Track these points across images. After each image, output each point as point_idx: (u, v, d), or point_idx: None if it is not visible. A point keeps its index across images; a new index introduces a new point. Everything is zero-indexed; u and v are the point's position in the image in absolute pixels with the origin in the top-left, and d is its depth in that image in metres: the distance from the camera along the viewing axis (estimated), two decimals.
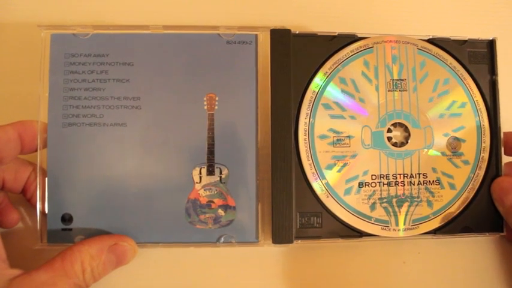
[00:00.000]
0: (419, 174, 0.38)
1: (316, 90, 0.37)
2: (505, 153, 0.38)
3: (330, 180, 0.37)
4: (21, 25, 0.40)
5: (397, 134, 0.38)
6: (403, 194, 0.37)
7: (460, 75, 0.39)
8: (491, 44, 0.39)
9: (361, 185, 0.37)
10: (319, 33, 0.38)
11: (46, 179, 0.35)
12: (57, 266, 0.32)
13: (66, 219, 0.35)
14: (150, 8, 0.41)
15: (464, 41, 0.39)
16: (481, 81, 0.39)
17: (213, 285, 0.38)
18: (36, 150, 0.35)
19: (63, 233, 0.35)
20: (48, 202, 0.35)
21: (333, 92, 0.37)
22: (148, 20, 0.37)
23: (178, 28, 0.37)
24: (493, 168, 0.38)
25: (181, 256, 0.38)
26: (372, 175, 0.37)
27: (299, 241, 0.36)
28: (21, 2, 0.40)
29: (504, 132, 0.38)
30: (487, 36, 0.39)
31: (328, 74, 0.38)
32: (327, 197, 0.37)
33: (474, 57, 0.39)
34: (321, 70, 0.38)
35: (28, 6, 0.40)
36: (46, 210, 0.35)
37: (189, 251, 0.38)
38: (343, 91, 0.38)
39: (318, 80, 0.37)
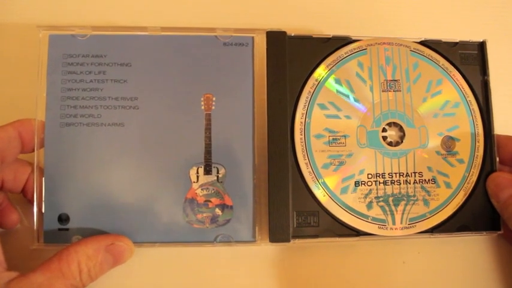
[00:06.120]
0: (414, 173, 0.38)
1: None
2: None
3: (326, 179, 0.37)
4: (19, 25, 0.40)
5: (392, 134, 0.38)
6: (399, 193, 0.38)
7: (453, 76, 0.39)
8: (481, 46, 0.40)
9: (357, 184, 0.37)
10: (314, 36, 0.39)
11: (43, 178, 0.35)
12: (54, 267, 0.31)
13: (63, 219, 0.35)
14: (148, 9, 0.42)
15: (456, 43, 0.40)
16: (473, 82, 0.40)
17: (210, 284, 0.38)
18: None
19: (60, 233, 0.35)
20: (45, 202, 0.35)
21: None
22: (146, 22, 0.38)
23: (175, 30, 0.37)
24: (488, 166, 0.38)
25: (179, 256, 0.38)
26: (368, 174, 0.38)
27: (296, 240, 0.36)
28: (20, 3, 0.41)
29: (496, 135, 0.39)
30: (478, 38, 0.40)
31: (322, 76, 0.38)
32: (324, 196, 0.37)
33: (466, 58, 0.40)
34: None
35: (27, 7, 0.41)
36: (43, 210, 0.35)
37: (186, 251, 0.38)
38: (338, 92, 0.38)
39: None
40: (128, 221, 0.36)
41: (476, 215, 0.38)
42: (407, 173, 0.38)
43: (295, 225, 0.36)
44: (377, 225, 0.37)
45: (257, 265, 0.38)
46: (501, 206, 0.36)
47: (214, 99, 0.37)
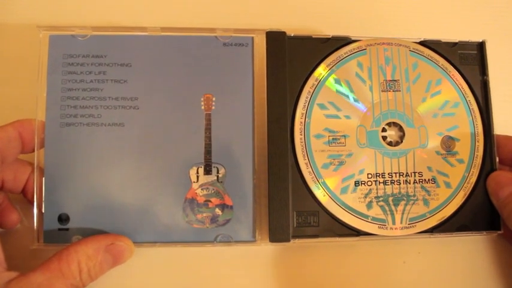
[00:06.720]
0: (414, 173, 0.38)
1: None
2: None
3: (326, 179, 0.37)
4: (19, 25, 0.40)
5: (391, 134, 0.39)
6: (399, 193, 0.38)
7: (452, 76, 0.40)
8: (481, 46, 0.40)
9: (357, 183, 0.37)
10: (313, 36, 0.39)
11: (43, 178, 0.35)
12: (54, 266, 0.31)
13: (63, 219, 0.35)
14: (148, 9, 0.42)
15: (455, 43, 0.40)
16: (473, 81, 0.40)
17: (210, 284, 0.38)
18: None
19: (60, 233, 0.35)
20: (45, 202, 0.35)
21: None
22: (146, 22, 0.38)
23: (175, 30, 0.38)
24: (488, 166, 0.38)
25: (179, 255, 0.38)
26: (367, 174, 0.38)
27: (296, 240, 0.36)
28: (20, 3, 0.41)
29: (496, 135, 0.39)
30: (477, 38, 0.40)
31: (322, 76, 0.38)
32: (324, 195, 0.37)
33: (465, 58, 0.40)
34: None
35: (27, 7, 0.41)
36: (43, 210, 0.35)
37: (186, 251, 0.38)
38: (338, 91, 0.38)
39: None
40: (128, 221, 0.36)
41: (476, 214, 0.38)
42: (407, 172, 0.38)
43: (295, 225, 0.37)
44: (377, 225, 0.37)
45: (257, 265, 0.38)
46: (501, 204, 0.36)
47: (214, 99, 0.37)
